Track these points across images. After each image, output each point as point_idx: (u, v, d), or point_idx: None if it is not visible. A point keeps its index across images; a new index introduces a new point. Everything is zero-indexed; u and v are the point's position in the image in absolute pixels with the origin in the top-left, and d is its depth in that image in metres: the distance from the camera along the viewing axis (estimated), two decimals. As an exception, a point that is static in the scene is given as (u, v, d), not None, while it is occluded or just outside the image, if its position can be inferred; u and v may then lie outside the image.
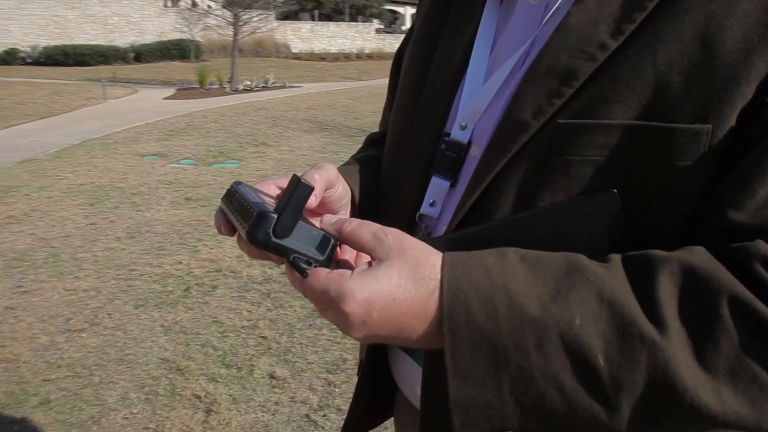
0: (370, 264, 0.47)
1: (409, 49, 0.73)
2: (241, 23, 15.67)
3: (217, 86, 14.99)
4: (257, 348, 2.85)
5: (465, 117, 0.60)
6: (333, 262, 0.50)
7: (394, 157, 0.70)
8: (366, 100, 12.76)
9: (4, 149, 7.64)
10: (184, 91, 14.47)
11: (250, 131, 8.84)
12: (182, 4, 24.13)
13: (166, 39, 24.01)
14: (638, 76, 0.48)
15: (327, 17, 35.54)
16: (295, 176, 0.47)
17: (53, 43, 22.24)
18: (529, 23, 0.58)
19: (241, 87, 14.57)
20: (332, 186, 0.61)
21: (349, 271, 0.46)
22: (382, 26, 36.20)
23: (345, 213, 0.65)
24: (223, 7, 16.57)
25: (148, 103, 12.51)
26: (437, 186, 0.61)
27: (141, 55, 22.93)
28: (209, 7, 20.28)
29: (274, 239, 0.45)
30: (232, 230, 0.53)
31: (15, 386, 2.55)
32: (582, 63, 0.50)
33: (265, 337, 2.94)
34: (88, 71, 18.44)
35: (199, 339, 2.93)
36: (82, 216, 4.86)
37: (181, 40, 23.49)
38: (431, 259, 0.47)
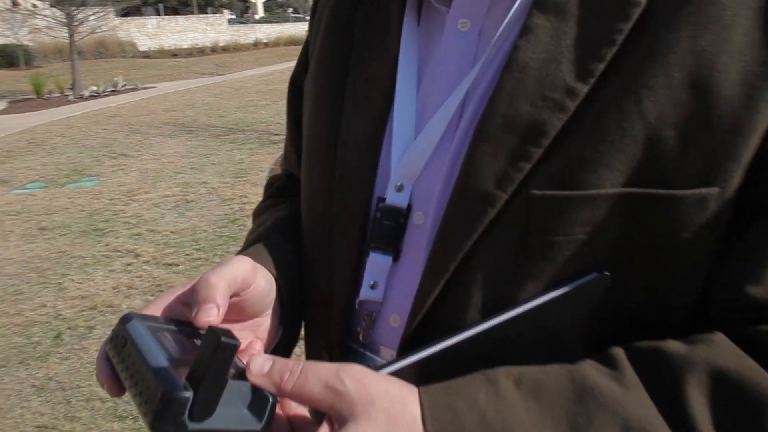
0: (330, 425, 0.35)
1: (310, 83, 0.59)
2: (76, 23, 14.19)
3: (58, 95, 13.51)
4: (152, 390, 2.58)
5: (400, 176, 0.49)
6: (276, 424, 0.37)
7: (315, 228, 0.57)
8: (228, 96, 12.19)
9: None
10: (18, 104, 12.86)
11: (105, 142, 8.06)
12: (0, 4, 21.38)
13: (-13, 46, 21.18)
14: (625, 132, 0.39)
15: (173, 11, 33.44)
16: (211, 330, 0.33)
17: None
18: (461, 55, 0.48)
19: (86, 93, 13.26)
20: (248, 285, 0.46)
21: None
22: (233, 16, 34.84)
23: (267, 318, 0.51)
24: (52, 5, 14.90)
25: (-25, 121, 10.97)
26: (377, 263, 0.50)
27: (-42, 66, 20.05)
28: (34, 6, 18.18)
29: (191, 426, 0.32)
30: (121, 390, 0.38)
31: None
32: (548, 114, 0.41)
33: (159, 376, 2.67)
34: None
35: (81, 393, 2.59)
36: None
37: (7, 46, 20.85)
38: (408, 407, 0.36)
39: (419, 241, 0.48)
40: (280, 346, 0.54)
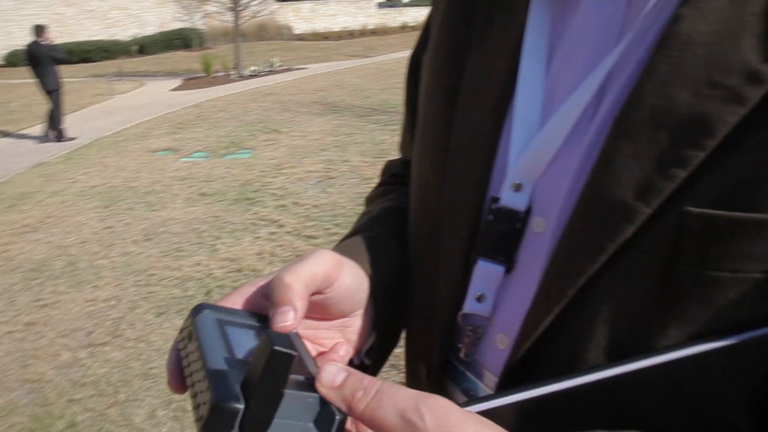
0: None
1: (428, 62, 0.52)
2: (240, 8, 15.38)
3: (222, 73, 14.79)
4: (286, 353, 2.72)
5: (519, 173, 0.41)
6: None
7: (421, 227, 0.50)
8: (374, 78, 12.48)
9: (15, 154, 7.57)
10: (191, 81, 14.31)
11: (260, 118, 8.67)
12: (180, -9, 23.83)
13: (167, 29, 23.76)
14: None
15: (328, -6, 34.89)
16: (266, 336, 0.28)
17: (56, 41, 22.17)
18: (603, 29, 0.38)
19: (247, 73, 14.36)
20: (330, 282, 0.40)
21: None
22: (382, 0, 35.53)
23: (357, 318, 0.45)
24: (222, -8, 16.27)
25: (155, 95, 12.38)
26: (486, 273, 0.43)
27: (144, 47, 22.74)
28: (208, -7, 19.99)
29: None
30: (182, 387, 0.34)
31: (40, 409, 2.46)
32: (717, 107, 0.31)
33: (293, 340, 2.81)
34: (93, 67, 18.29)
35: (225, 346, 2.81)
36: (98, 220, 4.76)
37: (183, 29, 23.24)
38: None
39: (537, 253, 0.40)
40: (374, 351, 0.49)
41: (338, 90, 11.11)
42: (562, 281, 0.36)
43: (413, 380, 0.54)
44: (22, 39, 22.30)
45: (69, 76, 17.26)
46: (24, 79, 17.27)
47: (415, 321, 0.51)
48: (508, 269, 0.42)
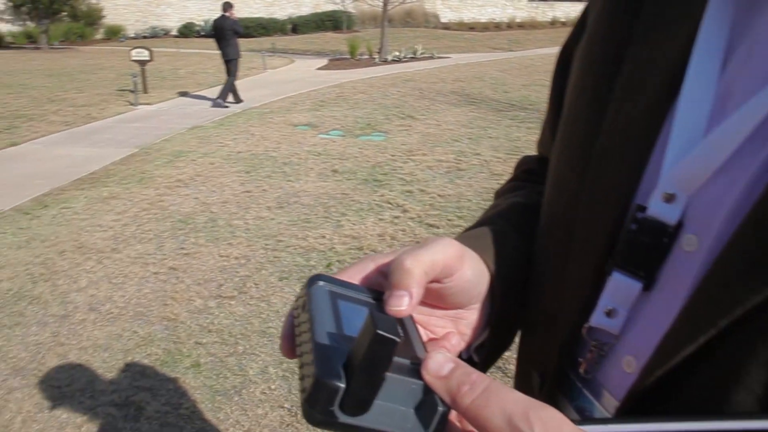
0: None
1: (581, 54, 0.48)
2: (392, -7, 15.68)
3: (366, 57, 15.23)
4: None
5: (673, 183, 0.36)
6: None
7: (553, 229, 0.47)
8: (516, 73, 12.15)
9: (178, 115, 8.39)
10: (336, 62, 14.90)
11: (397, 103, 8.82)
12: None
13: (320, 11, 24.89)
14: None
15: (479, -16, 34.40)
16: (370, 318, 0.28)
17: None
18: None
19: (389, 57, 14.65)
20: (451, 272, 0.39)
21: None
22: (537, -8, 34.27)
23: (473, 312, 0.43)
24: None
25: (302, 73, 13.07)
26: (620, 287, 0.39)
27: (297, 26, 24.05)
28: (363, -23, 20.57)
29: (342, 419, 0.28)
30: (294, 354, 0.34)
31: (172, 345, 2.73)
32: None
33: (402, 324, 2.85)
34: (250, 42, 19.68)
35: (338, 318, 2.92)
36: (239, 183, 5.14)
37: (335, 12, 24.22)
38: None
39: (685, 274, 0.35)
40: (485, 348, 0.47)
41: (478, 82, 10.97)
42: (714, 309, 0.32)
43: (523, 388, 0.51)
44: (195, 13, 24.56)
45: (230, 48, 18.78)
46: (193, 48, 19.01)
47: (533, 326, 0.48)
48: (647, 287, 0.38)
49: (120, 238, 3.97)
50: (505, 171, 5.29)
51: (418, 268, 0.36)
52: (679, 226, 0.36)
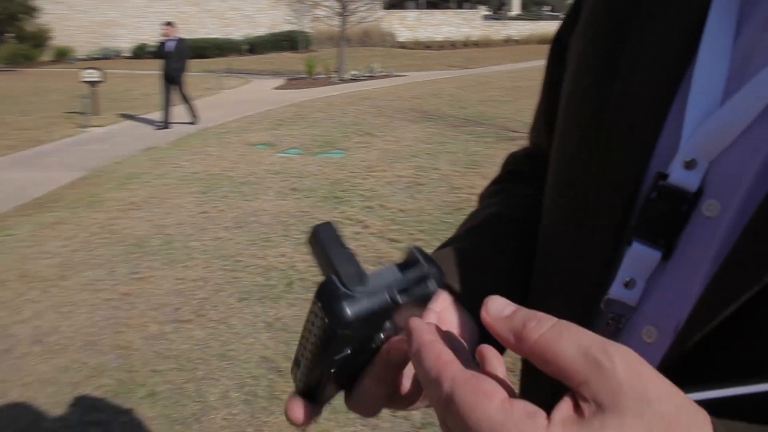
0: (575, 404, 0.25)
1: (581, 33, 0.48)
2: (348, 13, 15.81)
3: (324, 76, 15.26)
4: (359, 353, 2.70)
5: (694, 149, 0.36)
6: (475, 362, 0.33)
7: (561, 202, 0.46)
8: (471, 89, 12.36)
9: (131, 137, 8.18)
10: (293, 81, 14.87)
11: (356, 120, 8.82)
12: (292, -4, 24.90)
13: (277, 31, 24.90)
14: None
15: (433, 5, 35.12)
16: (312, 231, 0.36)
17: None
18: None
19: (347, 76, 14.72)
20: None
21: (539, 413, 0.25)
22: (489, 13, 35.22)
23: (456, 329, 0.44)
24: (332, -3, 16.83)
25: (259, 93, 12.97)
26: (639, 257, 0.38)
27: (254, 46, 23.96)
28: (318, -3, 20.75)
29: (354, 293, 0.32)
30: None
31: (126, 374, 2.59)
32: None
33: (366, 341, 2.79)
34: (206, 63, 19.48)
35: (300, 338, 2.84)
36: (195, 204, 5.01)
37: (292, 32, 24.27)
38: (697, 425, 0.25)
39: (706, 240, 0.35)
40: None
41: (435, 99, 11.10)
42: (747, 273, 0.31)
43: (534, 371, 0.50)
44: (148, 34, 24.21)
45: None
46: (146, 70, 18.68)
47: (542, 306, 0.48)
48: (666, 256, 0.37)
49: (68, 265, 3.79)
50: (464, 185, 5.34)
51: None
52: (700, 192, 0.36)
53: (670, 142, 0.37)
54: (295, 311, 3.09)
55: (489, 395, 0.25)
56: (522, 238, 0.53)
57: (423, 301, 0.35)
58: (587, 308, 0.41)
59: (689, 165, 0.36)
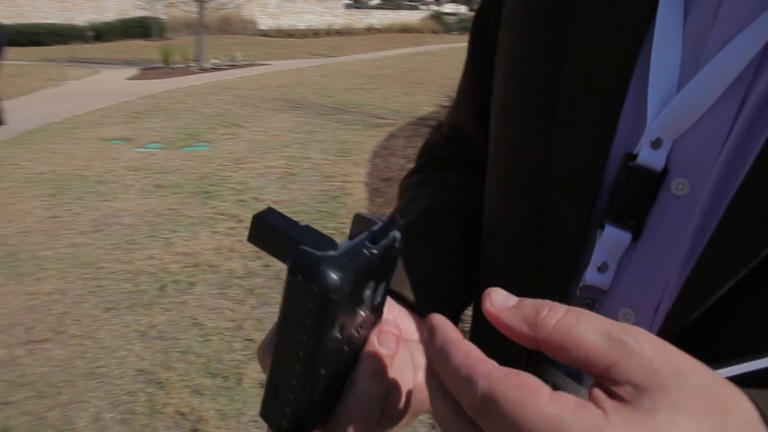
0: (607, 391, 0.24)
1: (512, 13, 0.47)
2: (205, -1, 15.03)
3: (182, 65, 14.39)
4: (244, 353, 2.60)
5: (658, 128, 0.36)
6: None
7: (512, 190, 0.45)
8: (337, 77, 12.37)
9: (-46, 137, 7.12)
10: (149, 71, 13.85)
11: (220, 111, 8.44)
12: (141, -21, 23.11)
13: (127, 17, 23.00)
14: None
15: (294, -8, 34.54)
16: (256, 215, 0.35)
17: (7, 22, 21.15)
18: None
19: (208, 65, 14.02)
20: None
21: (588, 403, 0.23)
22: (350, 2, 35.44)
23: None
24: (186, -19, 15.87)
25: (110, 84, 11.91)
26: (611, 240, 0.38)
27: (101, 33, 21.92)
28: (170, -19, 19.46)
29: (322, 254, 0.29)
30: None
31: (-29, 409, 2.27)
32: None
33: (251, 340, 2.69)
34: (44, 51, 17.49)
35: (178, 345, 2.67)
36: (43, 209, 4.49)
37: (144, 18, 22.56)
38: (737, 398, 0.24)
39: (678, 219, 0.36)
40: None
41: (300, 87, 10.95)
42: (728, 258, 0.32)
43: (505, 362, 0.48)
44: (-33, 17, 21.19)
45: (18, 58, 16.48)
46: (-32, 59, 16.36)
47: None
48: (635, 236, 0.38)
49: None
50: (337, 173, 5.34)
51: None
52: (665, 171, 0.36)
53: (630, 123, 0.38)
54: (170, 316, 2.90)
55: (536, 390, 0.23)
56: (463, 231, 0.52)
57: (393, 250, 0.33)
58: (558, 296, 0.41)
59: (655, 144, 0.36)
